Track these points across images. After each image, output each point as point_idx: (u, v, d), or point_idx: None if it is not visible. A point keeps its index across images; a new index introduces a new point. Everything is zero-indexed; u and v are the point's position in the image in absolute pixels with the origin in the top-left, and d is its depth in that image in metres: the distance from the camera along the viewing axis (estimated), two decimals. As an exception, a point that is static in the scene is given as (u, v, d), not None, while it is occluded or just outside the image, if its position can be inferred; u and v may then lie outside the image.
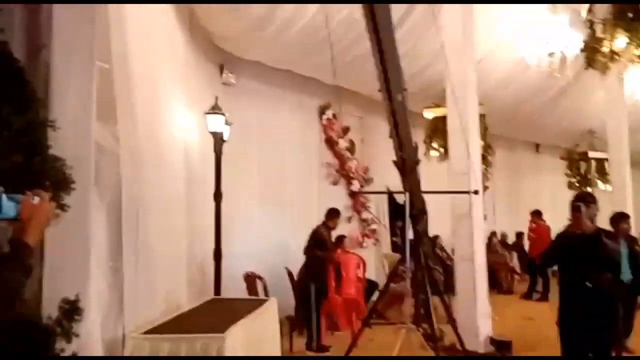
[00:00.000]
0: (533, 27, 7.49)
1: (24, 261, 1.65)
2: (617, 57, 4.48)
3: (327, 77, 8.89)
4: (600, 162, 12.27)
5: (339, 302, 6.64)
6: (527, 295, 10.45)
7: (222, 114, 6.19)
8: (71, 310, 2.67)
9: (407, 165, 3.90)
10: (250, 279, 6.82)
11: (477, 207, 5.83)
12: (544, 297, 9.97)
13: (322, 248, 6.60)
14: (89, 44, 3.13)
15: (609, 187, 12.44)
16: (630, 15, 4.01)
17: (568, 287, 3.67)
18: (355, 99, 9.71)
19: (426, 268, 4.36)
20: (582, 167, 12.51)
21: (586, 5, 4.66)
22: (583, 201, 3.59)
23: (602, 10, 4.36)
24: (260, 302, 5.18)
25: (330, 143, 9.55)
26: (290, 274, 7.46)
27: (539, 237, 10.28)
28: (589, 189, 13.27)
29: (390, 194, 10.30)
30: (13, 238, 1.66)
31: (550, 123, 11.61)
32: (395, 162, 3.98)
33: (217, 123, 6.18)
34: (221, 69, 7.72)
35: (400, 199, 10.78)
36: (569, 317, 3.63)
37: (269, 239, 7.91)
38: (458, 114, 5.44)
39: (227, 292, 6.17)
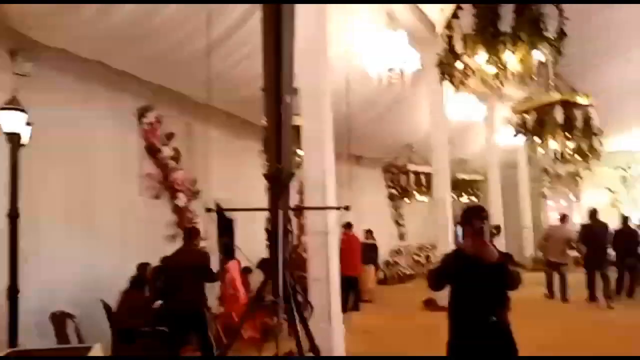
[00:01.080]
0: (374, 40, 7.79)
1: None
2: (471, 73, 4.78)
3: (149, 74, 8.09)
4: (417, 174, 13.52)
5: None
6: (354, 308, 10.83)
7: (23, 111, 5.06)
8: None
9: (284, 179, 3.49)
10: (59, 319, 5.73)
11: (333, 224, 5.74)
12: (355, 308, 10.40)
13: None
14: None
15: (424, 198, 13.79)
16: (492, 31, 4.28)
17: (466, 320, 3.29)
18: (182, 102, 9.01)
19: (292, 294, 3.98)
20: (402, 180, 13.62)
21: (442, 21, 4.91)
22: (483, 218, 3.20)
23: (464, 25, 4.61)
24: (78, 353, 4.21)
25: (152, 151, 8.66)
26: (108, 309, 6.48)
27: (349, 249, 10.74)
28: (406, 200, 14.59)
29: (219, 209, 9.85)
30: None
31: (376, 136, 12.35)
32: (266, 175, 3.53)
33: (14, 122, 5.03)
34: (12, 55, 6.38)
35: (230, 215, 10.56)
36: (464, 355, 3.28)
37: (79, 268, 6.76)
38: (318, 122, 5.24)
39: (28, 338, 5.01)
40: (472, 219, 3.24)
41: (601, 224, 10.82)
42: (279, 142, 3.29)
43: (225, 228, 10.59)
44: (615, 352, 6.59)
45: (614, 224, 11.67)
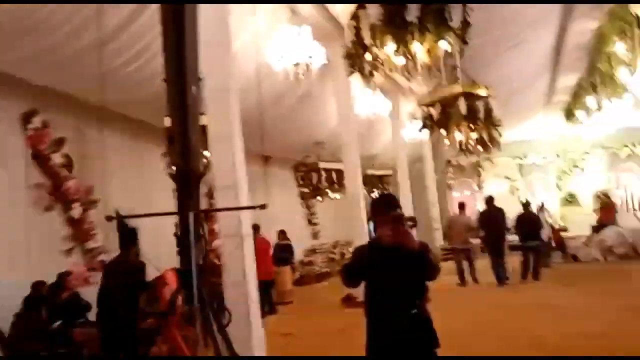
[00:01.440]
0: (278, 35, 7.72)
1: None
2: (379, 65, 4.83)
3: (32, 75, 7.46)
4: (328, 172, 13.65)
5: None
6: (270, 311, 10.71)
7: None
8: None
9: (194, 179, 3.32)
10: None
11: (248, 226, 5.60)
12: (272, 311, 10.37)
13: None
14: None
15: (337, 195, 13.95)
16: (399, 21, 4.34)
17: (385, 314, 3.15)
18: (72, 105, 8.42)
19: (208, 301, 3.82)
20: (314, 178, 13.69)
21: (347, 12, 4.91)
22: (397, 206, 3.18)
23: (371, 15, 4.64)
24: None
25: (40, 159, 8.01)
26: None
27: (258, 253, 10.57)
28: (319, 198, 14.67)
29: (120, 219, 9.34)
30: None
31: (285, 134, 12.28)
32: (173, 176, 3.35)
33: None
34: None
35: (133, 222, 10.03)
36: (385, 351, 3.14)
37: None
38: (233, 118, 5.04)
39: None
40: (386, 208, 3.19)
41: (497, 209, 11.71)
42: (185, 137, 3.12)
43: (129, 237, 10.07)
44: (526, 331, 7.00)
45: (516, 210, 12.53)
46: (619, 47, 10.65)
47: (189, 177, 3.33)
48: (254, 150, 14.34)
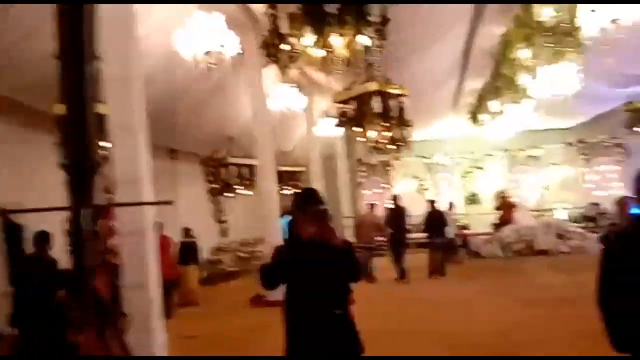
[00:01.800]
0: (188, 22, 7.37)
1: None
2: (297, 55, 4.68)
3: None
4: (239, 167, 13.34)
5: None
6: (169, 315, 10.28)
7: None
8: None
9: (88, 171, 3.00)
10: None
11: (149, 222, 5.25)
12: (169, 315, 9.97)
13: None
14: None
15: (248, 192, 13.69)
16: (318, 11, 4.20)
17: (308, 315, 2.98)
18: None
19: (102, 305, 3.51)
20: (223, 174, 13.31)
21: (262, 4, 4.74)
22: (321, 201, 3.04)
23: (289, 6, 4.47)
24: None
25: None
26: None
27: (161, 251, 10.18)
28: (229, 195, 14.32)
29: (4, 213, 8.55)
30: None
31: (192, 128, 11.84)
32: (64, 165, 3.01)
33: None
34: None
35: (20, 218, 9.20)
36: (306, 354, 2.98)
37: None
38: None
39: None
40: (309, 202, 3.07)
41: (400, 208, 12.18)
42: (79, 123, 2.80)
43: (14, 236, 9.24)
44: (437, 328, 7.17)
45: (424, 209, 12.98)
46: (522, 53, 11.18)
47: (82, 169, 3.00)
48: (161, 143, 13.73)
